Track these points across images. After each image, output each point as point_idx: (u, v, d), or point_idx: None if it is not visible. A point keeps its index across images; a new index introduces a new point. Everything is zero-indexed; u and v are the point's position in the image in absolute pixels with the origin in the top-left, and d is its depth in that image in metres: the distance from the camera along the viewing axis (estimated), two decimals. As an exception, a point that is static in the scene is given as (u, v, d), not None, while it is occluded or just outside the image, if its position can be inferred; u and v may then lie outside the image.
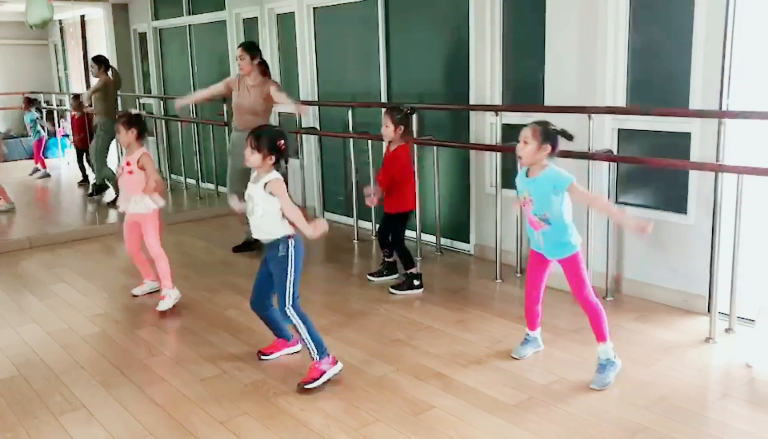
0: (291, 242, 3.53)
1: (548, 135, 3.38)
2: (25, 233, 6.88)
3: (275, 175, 3.49)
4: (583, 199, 3.62)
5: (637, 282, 4.63)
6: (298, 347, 3.82)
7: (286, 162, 3.57)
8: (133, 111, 4.78)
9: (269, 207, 3.47)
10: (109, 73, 8.29)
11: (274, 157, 3.48)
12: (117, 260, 6.21)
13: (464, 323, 4.31)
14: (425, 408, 3.24)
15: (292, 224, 3.49)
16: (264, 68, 5.79)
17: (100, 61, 8.26)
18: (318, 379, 3.44)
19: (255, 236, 3.64)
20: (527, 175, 3.48)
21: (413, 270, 4.89)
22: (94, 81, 8.29)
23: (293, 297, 3.48)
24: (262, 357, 3.83)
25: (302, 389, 3.42)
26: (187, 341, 4.26)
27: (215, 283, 5.25)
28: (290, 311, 3.47)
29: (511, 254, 5.22)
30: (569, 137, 3.43)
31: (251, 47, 5.75)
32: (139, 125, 4.65)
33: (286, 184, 3.53)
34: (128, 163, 4.63)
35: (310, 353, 3.49)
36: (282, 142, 3.50)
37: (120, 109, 9.89)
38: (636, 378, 3.48)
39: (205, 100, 6.17)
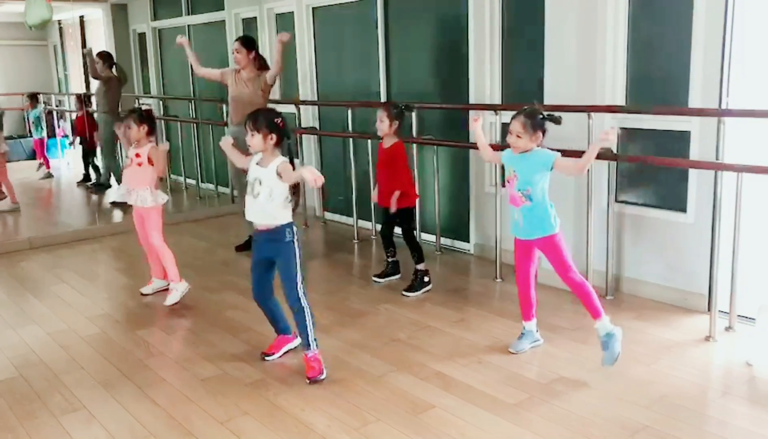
0: (294, 228, 3.58)
1: (538, 124, 3.51)
2: (26, 233, 6.87)
3: (283, 158, 3.54)
4: (572, 169, 3.60)
5: (636, 281, 4.63)
6: (297, 340, 3.79)
7: (288, 139, 3.60)
8: (144, 107, 4.83)
9: (278, 191, 3.51)
10: (114, 69, 8.26)
11: (274, 136, 3.52)
12: (117, 260, 6.23)
13: (464, 322, 4.31)
14: (426, 408, 3.24)
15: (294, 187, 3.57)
16: (261, 63, 5.82)
17: (105, 57, 8.17)
18: (322, 371, 3.53)
19: (256, 220, 3.61)
20: (513, 152, 3.62)
21: (422, 266, 4.89)
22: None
23: (302, 283, 3.54)
24: (266, 358, 3.82)
25: (314, 382, 3.50)
26: (188, 341, 4.26)
27: (215, 283, 5.25)
28: (303, 299, 3.53)
29: (512, 253, 5.19)
30: (558, 121, 3.54)
31: (247, 41, 5.80)
32: (150, 122, 4.75)
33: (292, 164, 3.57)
34: (138, 155, 4.70)
35: (309, 343, 3.54)
36: (279, 119, 3.55)
37: (120, 108, 9.88)
38: (636, 377, 3.48)
39: (197, 67, 5.95)
